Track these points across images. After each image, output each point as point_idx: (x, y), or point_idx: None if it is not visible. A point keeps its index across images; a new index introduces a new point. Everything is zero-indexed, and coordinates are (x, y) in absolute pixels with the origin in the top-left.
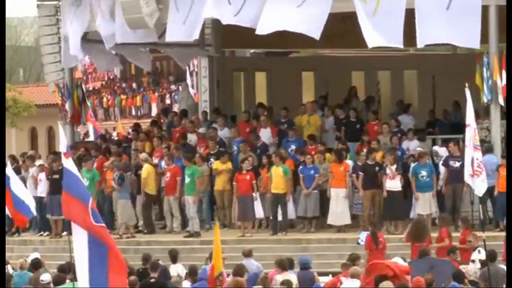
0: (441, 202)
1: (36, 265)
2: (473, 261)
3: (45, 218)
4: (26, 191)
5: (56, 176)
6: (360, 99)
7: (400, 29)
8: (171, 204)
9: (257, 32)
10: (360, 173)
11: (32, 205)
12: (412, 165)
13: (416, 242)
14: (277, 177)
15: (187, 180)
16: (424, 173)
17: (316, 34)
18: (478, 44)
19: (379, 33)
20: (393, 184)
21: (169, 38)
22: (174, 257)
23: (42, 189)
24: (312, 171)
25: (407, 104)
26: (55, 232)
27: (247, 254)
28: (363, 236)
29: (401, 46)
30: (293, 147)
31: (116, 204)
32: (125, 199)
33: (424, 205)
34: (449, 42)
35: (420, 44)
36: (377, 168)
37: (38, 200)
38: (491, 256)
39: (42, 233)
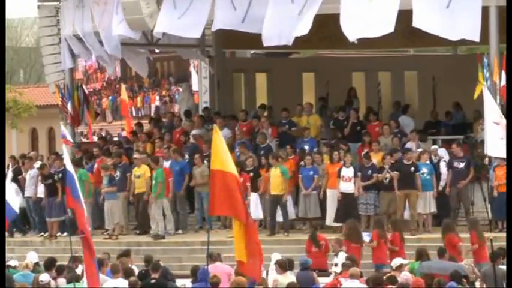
0: (443, 203)
1: (49, 265)
2: (336, 264)
3: (44, 219)
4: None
5: (50, 181)
6: (360, 100)
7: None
8: (163, 206)
9: (265, 44)
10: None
11: (15, 206)
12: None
13: (353, 242)
14: (275, 178)
15: (152, 183)
16: (425, 170)
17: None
18: (478, 36)
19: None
20: (347, 186)
21: (159, 28)
22: (101, 264)
23: (42, 191)
24: (311, 172)
25: (405, 105)
26: (50, 233)
27: None
28: (364, 236)
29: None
30: (306, 147)
31: (105, 204)
32: (112, 199)
33: (424, 204)
34: (449, 38)
35: (415, 23)
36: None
37: (38, 201)
38: (494, 256)
39: (42, 233)
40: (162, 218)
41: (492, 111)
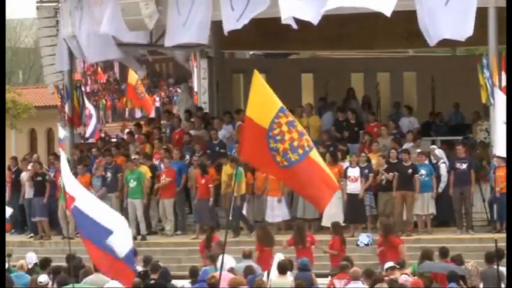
0: (445, 204)
1: (44, 265)
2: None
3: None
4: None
5: (39, 178)
6: (359, 100)
7: None
8: (165, 207)
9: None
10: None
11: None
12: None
13: (265, 246)
14: (227, 178)
15: (133, 183)
16: (423, 171)
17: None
18: (472, 31)
19: None
20: (354, 187)
21: (170, 42)
22: None
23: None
24: None
25: (406, 106)
26: (40, 234)
27: (247, 256)
28: (362, 237)
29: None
30: None
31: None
32: (103, 200)
33: (422, 206)
34: (449, 38)
35: (432, 42)
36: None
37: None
38: (493, 257)
39: (31, 234)
40: (142, 218)
41: (502, 111)
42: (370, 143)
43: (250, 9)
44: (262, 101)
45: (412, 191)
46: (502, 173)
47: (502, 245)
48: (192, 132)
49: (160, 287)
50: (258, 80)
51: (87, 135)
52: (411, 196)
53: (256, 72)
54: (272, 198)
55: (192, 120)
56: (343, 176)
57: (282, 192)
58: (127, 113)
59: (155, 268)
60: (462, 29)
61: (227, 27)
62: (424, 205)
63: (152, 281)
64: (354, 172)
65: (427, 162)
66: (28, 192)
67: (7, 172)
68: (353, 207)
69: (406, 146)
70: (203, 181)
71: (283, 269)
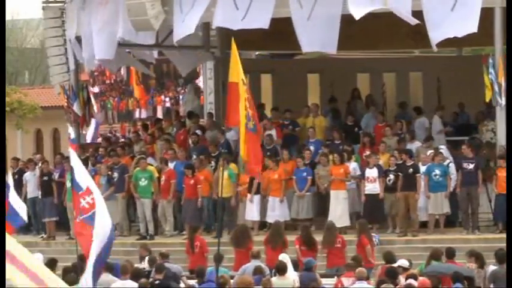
0: (452, 204)
1: (50, 266)
2: (144, 269)
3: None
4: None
5: (45, 178)
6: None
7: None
8: (164, 208)
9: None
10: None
11: (23, 212)
12: (427, 164)
13: (238, 247)
14: (224, 181)
15: (144, 182)
16: (437, 171)
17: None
18: (476, 27)
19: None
20: (373, 187)
21: (176, 38)
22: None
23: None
24: (305, 173)
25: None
26: (48, 234)
27: (255, 256)
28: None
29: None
30: (312, 148)
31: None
32: (108, 200)
33: (436, 205)
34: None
35: (434, 42)
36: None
37: (36, 202)
38: (500, 258)
39: (43, 235)
40: (151, 218)
41: None
42: (370, 144)
43: (254, 6)
44: (239, 67)
45: (414, 191)
46: (503, 173)
47: (502, 245)
48: (207, 133)
49: (164, 286)
50: (235, 49)
51: (89, 139)
52: (413, 196)
53: (233, 41)
54: (273, 198)
55: (203, 121)
56: (361, 176)
57: (284, 193)
58: (137, 113)
59: (160, 268)
60: (466, 25)
61: (223, 25)
62: (438, 204)
63: (157, 282)
64: (372, 173)
65: (443, 161)
66: (32, 192)
67: (40, 167)
68: (372, 207)
69: (415, 146)
70: (192, 182)
71: (281, 269)
